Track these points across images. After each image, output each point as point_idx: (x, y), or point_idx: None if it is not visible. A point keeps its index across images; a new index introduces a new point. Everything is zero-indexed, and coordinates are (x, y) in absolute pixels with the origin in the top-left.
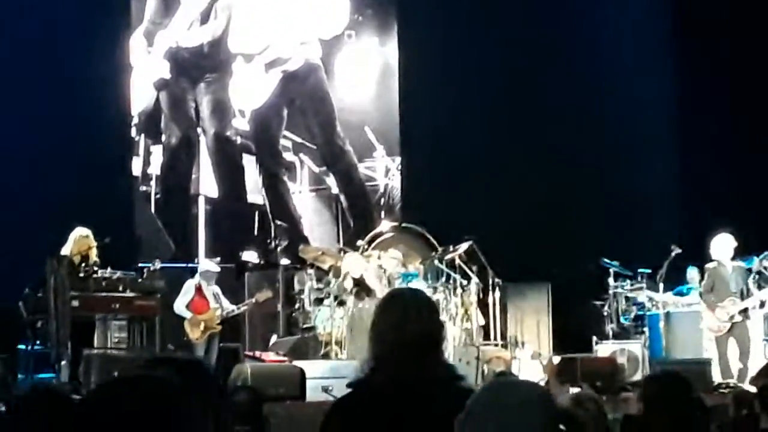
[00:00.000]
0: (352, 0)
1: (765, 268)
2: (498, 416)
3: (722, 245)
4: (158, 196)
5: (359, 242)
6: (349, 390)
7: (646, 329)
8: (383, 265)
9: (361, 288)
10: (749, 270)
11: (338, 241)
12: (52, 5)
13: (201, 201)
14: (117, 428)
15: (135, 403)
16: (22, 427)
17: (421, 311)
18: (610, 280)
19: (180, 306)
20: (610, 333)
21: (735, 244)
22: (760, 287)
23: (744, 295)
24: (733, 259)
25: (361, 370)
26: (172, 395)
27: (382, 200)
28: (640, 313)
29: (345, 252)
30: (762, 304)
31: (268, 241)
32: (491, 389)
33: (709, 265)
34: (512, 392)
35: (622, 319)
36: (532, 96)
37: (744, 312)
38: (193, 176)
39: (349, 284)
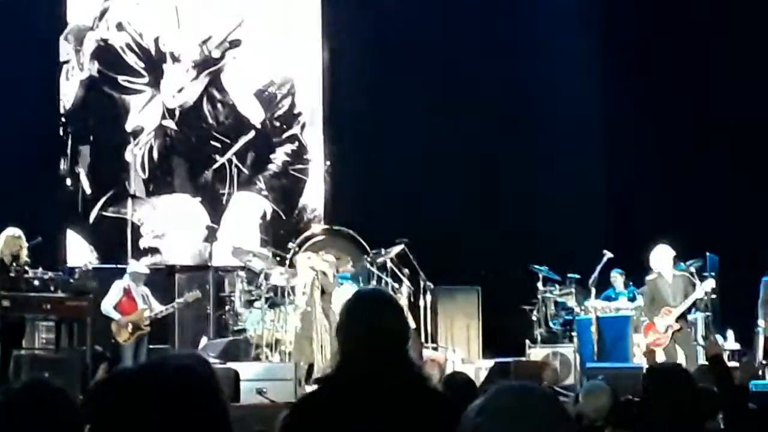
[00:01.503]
0: None
1: (692, 274)
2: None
3: (661, 256)
4: (87, 195)
5: (290, 244)
6: (315, 386)
7: (575, 334)
8: (315, 267)
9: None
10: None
11: (267, 243)
12: None
13: (129, 202)
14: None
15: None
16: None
17: (387, 310)
18: (539, 285)
19: (107, 306)
20: (539, 337)
21: (673, 253)
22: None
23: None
24: (672, 266)
25: (328, 367)
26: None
27: (311, 202)
28: (569, 317)
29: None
30: (693, 305)
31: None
32: (501, 394)
33: (648, 278)
34: (524, 399)
35: (551, 324)
36: (462, 100)
37: (682, 319)
38: (123, 175)
39: (307, 283)
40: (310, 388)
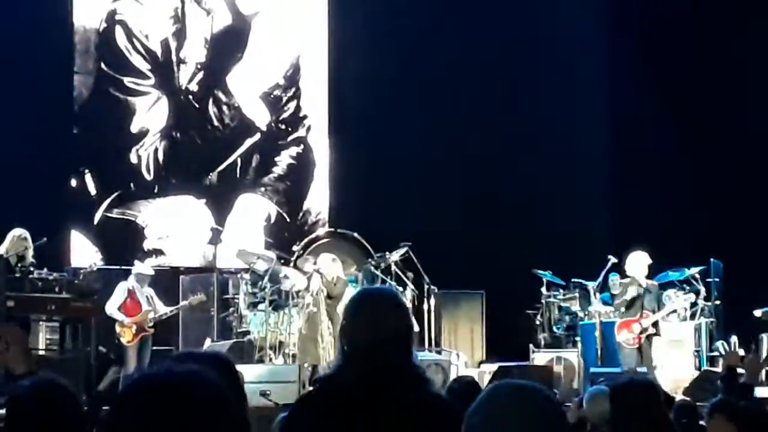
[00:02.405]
0: None
1: (695, 279)
2: (502, 421)
3: (637, 263)
4: (92, 196)
5: (294, 247)
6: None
7: (578, 338)
8: (320, 270)
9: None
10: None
11: (272, 246)
12: None
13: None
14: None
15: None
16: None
17: (392, 311)
18: (543, 290)
19: (111, 308)
20: (543, 342)
21: (650, 261)
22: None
23: (655, 311)
24: (648, 276)
25: (328, 367)
26: (219, 390)
27: (315, 205)
28: (573, 322)
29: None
30: (673, 312)
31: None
32: (495, 393)
33: (624, 281)
34: (517, 396)
35: (554, 328)
36: (469, 103)
37: (655, 325)
38: (128, 177)
39: (311, 286)
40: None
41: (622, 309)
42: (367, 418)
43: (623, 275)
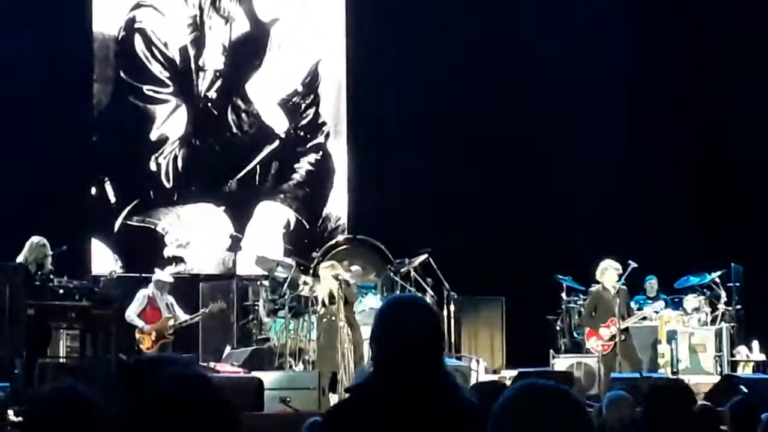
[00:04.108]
0: None
1: (716, 284)
2: (529, 421)
3: (606, 270)
4: (112, 203)
5: (314, 254)
6: (347, 395)
7: None
8: (339, 277)
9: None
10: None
11: (291, 253)
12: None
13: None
14: None
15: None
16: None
17: (423, 318)
18: (563, 295)
19: (131, 314)
20: (563, 347)
21: (619, 269)
22: (712, 303)
23: (625, 317)
24: (618, 282)
25: (359, 376)
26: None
27: (334, 211)
28: None
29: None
30: (643, 319)
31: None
32: (521, 393)
33: (592, 289)
34: (543, 396)
35: (575, 334)
36: (489, 108)
37: (625, 331)
38: (147, 184)
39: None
40: (333, 397)
41: (590, 315)
42: (400, 425)
43: (594, 281)
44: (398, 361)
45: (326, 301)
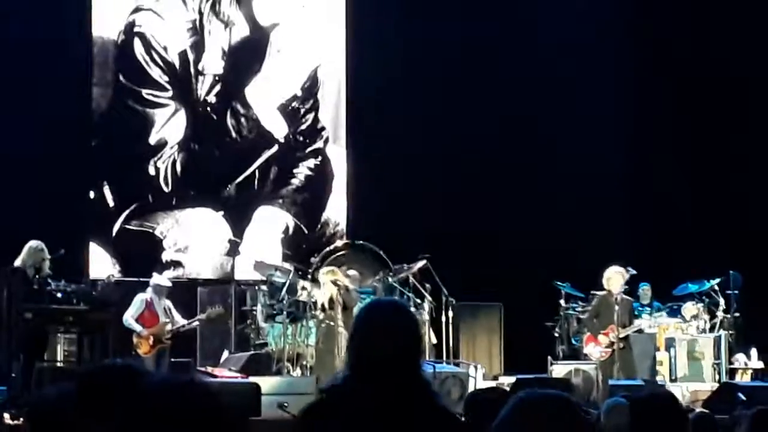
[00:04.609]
0: None
1: (715, 291)
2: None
3: (615, 278)
4: (110, 207)
5: (312, 259)
6: (322, 396)
7: None
8: (337, 282)
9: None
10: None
11: (289, 258)
12: None
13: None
14: None
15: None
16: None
17: (400, 322)
18: (562, 302)
19: (129, 318)
20: (561, 354)
21: (626, 277)
22: (710, 311)
23: (626, 326)
24: (623, 291)
25: (335, 378)
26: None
27: (333, 217)
28: None
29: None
30: (638, 332)
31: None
32: (523, 404)
33: (598, 293)
34: (545, 406)
35: (573, 340)
36: (488, 115)
37: (625, 340)
38: (146, 189)
39: (329, 298)
40: None
41: (592, 320)
42: (373, 430)
43: (594, 288)
44: (373, 366)
45: (326, 306)
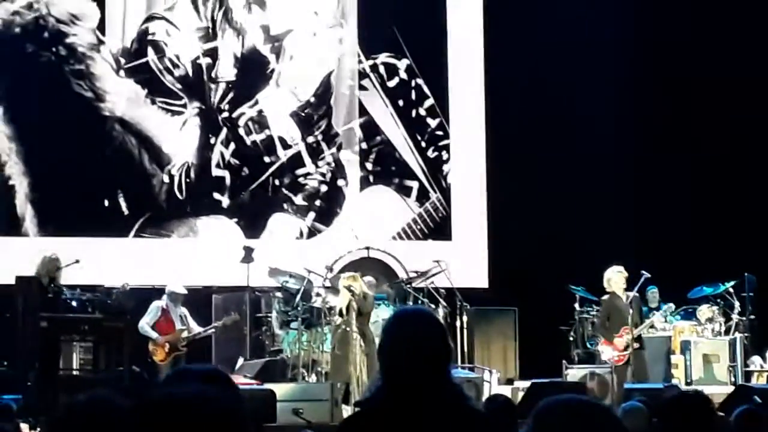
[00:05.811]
0: None
1: (730, 294)
2: None
3: (615, 278)
4: (125, 215)
5: (327, 265)
6: (357, 409)
7: None
8: (352, 288)
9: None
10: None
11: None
12: None
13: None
14: None
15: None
16: None
17: (429, 330)
18: (576, 305)
19: (144, 326)
20: (576, 358)
21: (623, 271)
22: (725, 313)
23: (638, 325)
24: (627, 289)
25: (369, 389)
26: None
27: (347, 223)
28: None
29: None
30: (651, 327)
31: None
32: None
33: (604, 298)
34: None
35: (588, 344)
36: (498, 120)
37: (638, 340)
38: (160, 196)
39: (343, 304)
40: (346, 408)
41: (603, 325)
42: None
43: (603, 292)
44: (405, 374)
45: (344, 312)
